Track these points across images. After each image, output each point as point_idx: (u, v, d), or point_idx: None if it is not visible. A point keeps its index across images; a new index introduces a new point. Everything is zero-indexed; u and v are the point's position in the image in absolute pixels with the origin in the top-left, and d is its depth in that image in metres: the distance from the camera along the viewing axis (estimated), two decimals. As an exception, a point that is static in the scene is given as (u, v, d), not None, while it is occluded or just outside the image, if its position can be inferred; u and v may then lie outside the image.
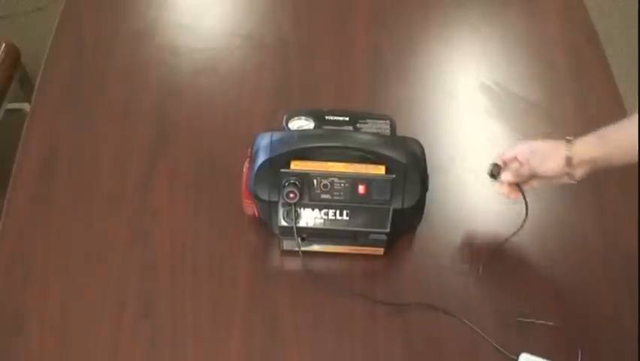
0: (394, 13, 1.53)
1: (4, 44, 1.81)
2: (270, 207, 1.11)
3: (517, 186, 1.14)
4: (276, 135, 1.12)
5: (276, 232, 1.13)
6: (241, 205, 1.15)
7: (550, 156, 1.08)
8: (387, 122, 1.18)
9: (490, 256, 1.16)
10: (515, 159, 1.12)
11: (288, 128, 1.16)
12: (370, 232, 1.11)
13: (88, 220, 1.20)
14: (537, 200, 1.16)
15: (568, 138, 1.07)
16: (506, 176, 1.13)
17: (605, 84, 1.43)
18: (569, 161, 1.06)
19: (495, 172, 1.14)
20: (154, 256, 1.16)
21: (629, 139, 1.03)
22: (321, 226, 1.11)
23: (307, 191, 1.09)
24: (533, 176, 1.12)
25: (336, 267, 1.16)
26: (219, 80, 1.42)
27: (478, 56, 1.49)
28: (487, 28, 1.54)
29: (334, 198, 1.09)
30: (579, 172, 1.07)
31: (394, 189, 1.09)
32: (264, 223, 1.15)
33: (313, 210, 1.10)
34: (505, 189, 1.14)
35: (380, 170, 1.10)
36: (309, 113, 1.18)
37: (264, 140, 1.11)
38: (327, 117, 1.17)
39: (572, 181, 1.08)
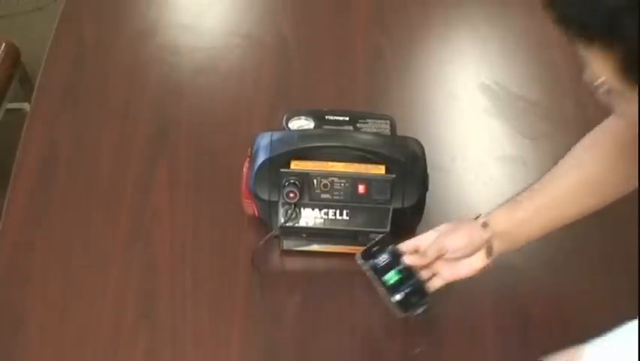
0: (394, 12, 1.53)
1: (4, 44, 1.81)
2: (270, 207, 1.11)
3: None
4: (276, 135, 1.12)
5: (276, 231, 1.13)
6: (241, 205, 1.15)
7: (461, 226, 1.00)
8: (388, 122, 1.17)
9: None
10: (417, 247, 1.01)
11: (288, 128, 1.16)
12: (370, 232, 1.11)
13: (88, 220, 1.20)
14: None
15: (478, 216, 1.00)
16: (409, 259, 1.00)
17: (605, 84, 1.43)
18: (485, 226, 0.98)
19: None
20: (154, 256, 1.16)
21: (551, 199, 0.98)
22: (321, 226, 1.11)
23: (307, 191, 1.09)
24: (440, 257, 1.00)
25: (336, 267, 1.16)
26: (219, 80, 1.42)
27: (478, 56, 1.49)
28: (487, 29, 1.54)
29: (334, 197, 1.09)
30: (496, 246, 0.98)
31: (394, 188, 1.09)
32: (264, 223, 1.15)
33: (313, 209, 1.10)
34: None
35: (380, 170, 1.10)
36: (309, 113, 1.18)
37: (264, 140, 1.11)
38: (327, 117, 1.17)
39: (488, 260, 0.99)
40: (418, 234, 1.18)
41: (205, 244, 1.17)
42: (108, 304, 1.11)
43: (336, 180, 1.09)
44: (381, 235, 1.04)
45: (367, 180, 1.09)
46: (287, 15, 1.53)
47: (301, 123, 1.16)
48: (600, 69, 0.65)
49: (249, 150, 1.13)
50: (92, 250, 1.17)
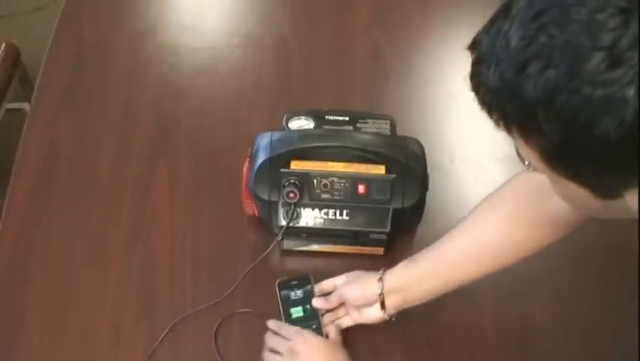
0: (394, 12, 1.53)
1: (4, 44, 1.81)
2: (270, 207, 1.11)
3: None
4: (276, 135, 1.12)
5: (276, 231, 1.13)
6: (241, 205, 1.15)
7: (361, 277, 1.04)
8: (388, 122, 1.18)
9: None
10: (334, 287, 1.06)
11: (288, 128, 1.16)
12: (370, 232, 1.11)
13: (88, 220, 1.20)
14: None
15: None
16: (316, 302, 1.06)
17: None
18: (379, 281, 1.00)
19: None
20: (154, 256, 1.16)
21: (444, 260, 0.99)
22: (321, 226, 1.11)
23: (307, 191, 1.09)
24: (344, 303, 1.05)
25: (336, 267, 1.16)
26: (219, 80, 1.42)
27: (478, 56, 1.49)
28: (487, 28, 1.54)
29: (334, 197, 1.09)
30: (390, 300, 1.00)
31: (394, 188, 1.09)
32: (264, 223, 1.15)
33: (313, 209, 1.10)
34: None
35: (380, 170, 1.10)
36: (309, 113, 1.18)
37: (264, 140, 1.11)
38: (327, 117, 1.17)
39: (386, 316, 1.01)
40: (418, 234, 1.19)
41: (205, 244, 1.17)
42: (108, 304, 1.11)
43: (336, 180, 1.09)
44: (305, 274, 1.09)
45: (367, 180, 1.09)
46: (287, 15, 1.53)
47: (301, 123, 1.16)
48: (523, 153, 0.67)
49: (249, 150, 1.13)
50: (92, 250, 1.17)
